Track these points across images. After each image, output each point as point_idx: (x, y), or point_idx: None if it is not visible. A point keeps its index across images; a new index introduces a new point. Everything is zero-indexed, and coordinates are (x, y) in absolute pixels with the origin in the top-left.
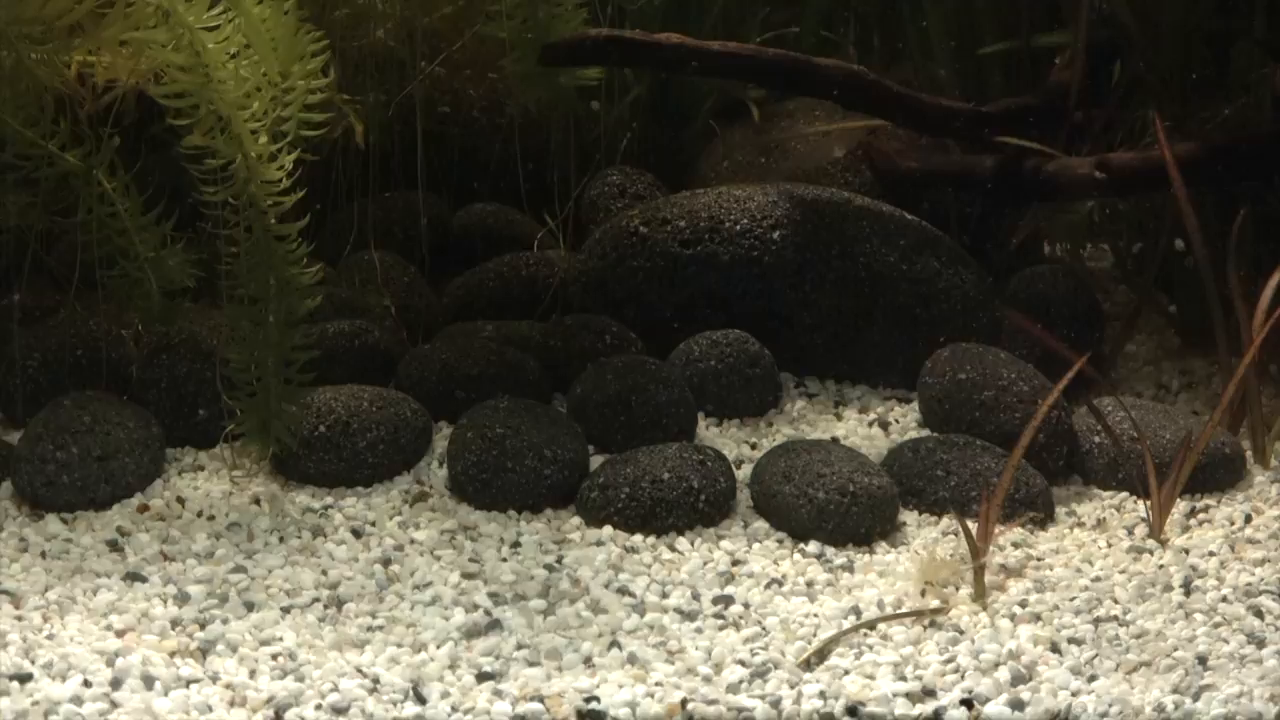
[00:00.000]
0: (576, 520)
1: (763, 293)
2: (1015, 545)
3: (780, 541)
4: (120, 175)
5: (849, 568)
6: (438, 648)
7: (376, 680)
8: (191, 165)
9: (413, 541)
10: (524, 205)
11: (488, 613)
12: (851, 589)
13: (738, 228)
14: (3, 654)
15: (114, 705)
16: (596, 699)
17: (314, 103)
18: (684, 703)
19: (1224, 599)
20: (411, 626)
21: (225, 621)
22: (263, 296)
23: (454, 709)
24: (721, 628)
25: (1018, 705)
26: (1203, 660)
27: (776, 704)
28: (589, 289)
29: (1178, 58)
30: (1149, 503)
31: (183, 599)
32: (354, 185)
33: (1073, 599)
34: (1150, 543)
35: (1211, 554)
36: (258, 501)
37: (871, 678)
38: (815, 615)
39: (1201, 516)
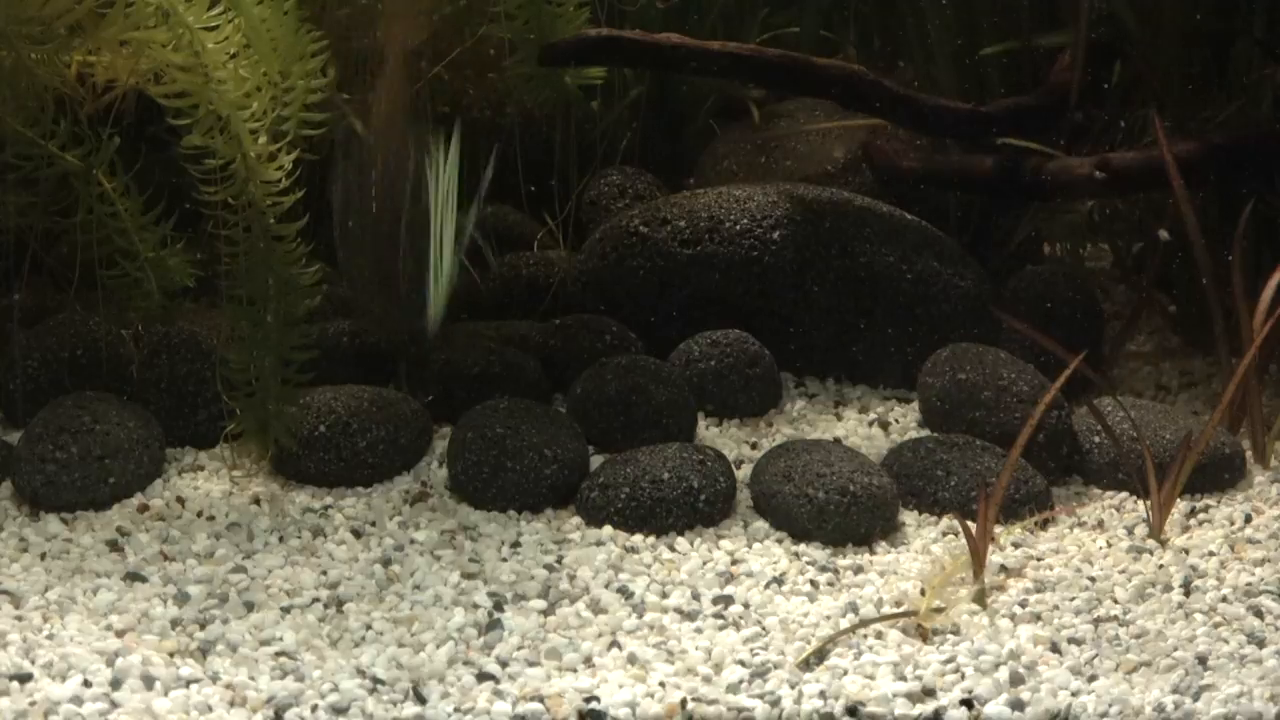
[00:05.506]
0: (576, 520)
1: (763, 293)
2: (1015, 545)
3: (780, 541)
4: (120, 175)
5: (849, 568)
6: (438, 648)
7: (376, 680)
8: (191, 165)
9: (413, 541)
10: (524, 205)
11: (488, 613)
12: (851, 589)
13: (738, 228)
14: (3, 654)
15: (114, 705)
16: (596, 699)
17: (314, 102)
18: (684, 703)
19: (1224, 599)
20: (411, 626)
21: (225, 621)
22: (262, 296)
23: (454, 709)
24: (721, 628)
25: (1018, 705)
26: (1203, 660)
27: (776, 704)
28: (589, 289)
29: (1178, 58)
30: (1149, 503)
31: (183, 599)
32: None
33: (1073, 599)
34: (1150, 543)
35: (1211, 554)
36: (258, 501)
37: (871, 678)
38: (815, 615)
39: (1201, 516)
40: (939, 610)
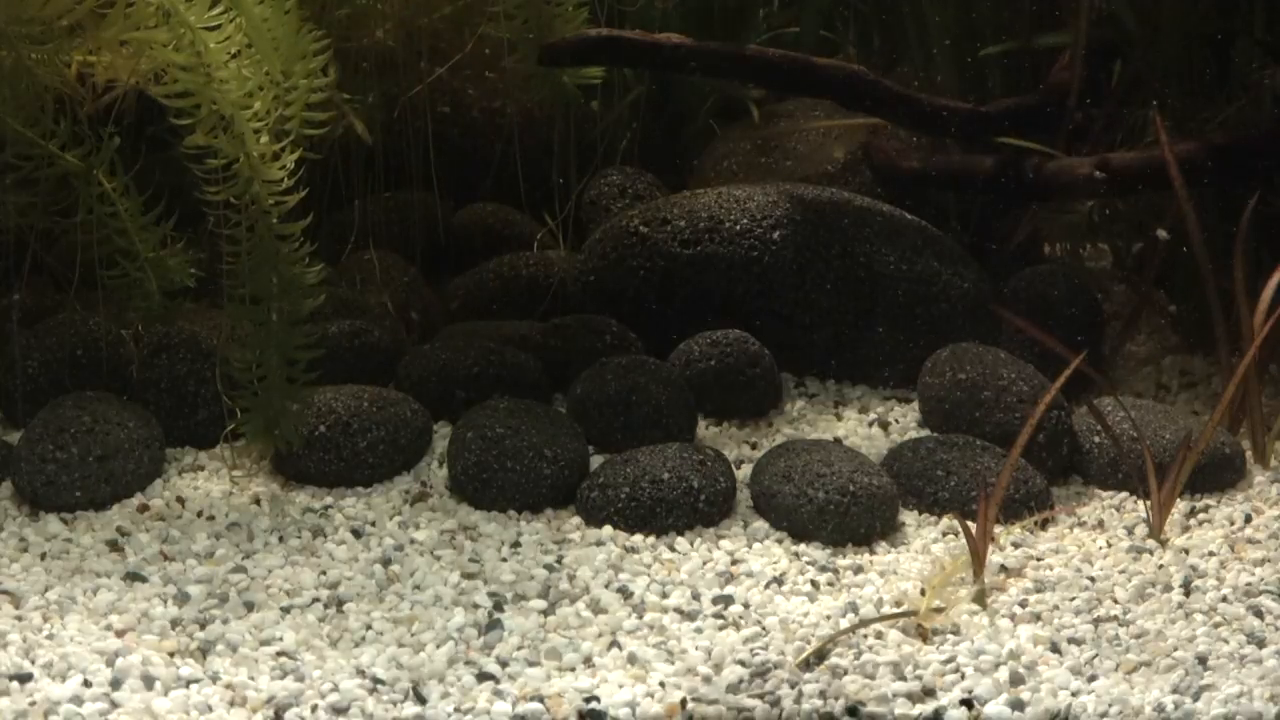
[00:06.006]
0: (576, 520)
1: (763, 293)
2: (1015, 545)
3: (780, 541)
4: (120, 175)
5: (849, 568)
6: (438, 648)
7: (376, 680)
8: (193, 165)
9: (413, 541)
10: (524, 205)
11: (488, 613)
12: (851, 589)
13: (738, 228)
14: (3, 654)
15: (114, 705)
16: (596, 699)
17: (315, 102)
18: (684, 703)
19: (1224, 599)
20: (411, 626)
21: (225, 621)
22: (265, 296)
23: (454, 709)
24: (721, 628)
25: (1018, 705)
26: (1203, 660)
27: (776, 704)
28: (589, 289)
29: (1178, 58)
30: (1149, 503)
31: (183, 599)
32: (355, 185)
33: (1073, 599)
34: (1150, 543)
35: (1211, 554)
36: (258, 501)
37: (871, 678)
38: (815, 615)
39: (1201, 516)
40: (939, 610)
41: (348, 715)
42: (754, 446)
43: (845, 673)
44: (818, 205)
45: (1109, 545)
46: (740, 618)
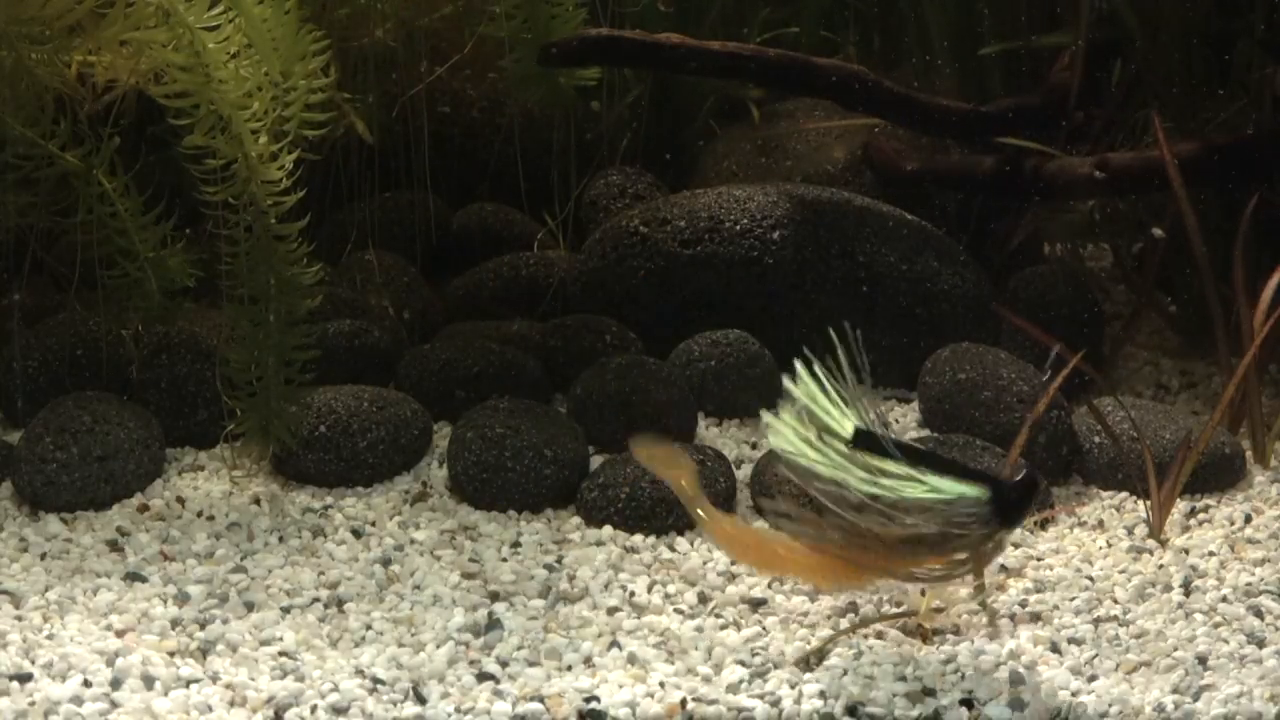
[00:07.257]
0: (576, 520)
1: (763, 293)
2: (1015, 545)
3: None
4: (120, 175)
5: None
6: (438, 648)
7: (376, 680)
8: (192, 165)
9: (413, 541)
10: (524, 205)
11: (488, 613)
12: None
13: (738, 228)
14: (3, 654)
15: (114, 705)
16: (596, 699)
17: (315, 102)
18: (684, 703)
19: (1224, 599)
20: (411, 626)
21: (225, 621)
22: (263, 296)
23: (454, 709)
24: (722, 627)
25: (1018, 705)
26: (1203, 660)
27: (776, 704)
28: (589, 289)
29: (1178, 58)
30: (1149, 503)
31: (183, 599)
32: (355, 185)
33: (1073, 599)
34: (1150, 543)
35: (1211, 554)
36: (258, 501)
37: (871, 678)
38: (815, 615)
39: (1201, 516)
40: (939, 610)
41: (348, 715)
42: (754, 446)
43: (845, 673)
44: (818, 205)
45: (1109, 545)
46: (740, 618)
